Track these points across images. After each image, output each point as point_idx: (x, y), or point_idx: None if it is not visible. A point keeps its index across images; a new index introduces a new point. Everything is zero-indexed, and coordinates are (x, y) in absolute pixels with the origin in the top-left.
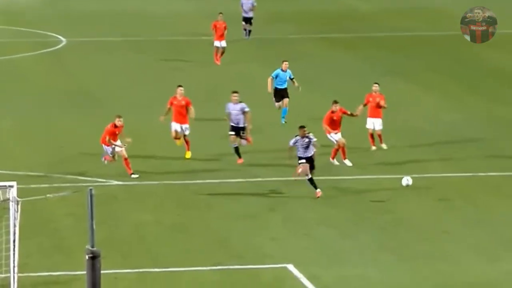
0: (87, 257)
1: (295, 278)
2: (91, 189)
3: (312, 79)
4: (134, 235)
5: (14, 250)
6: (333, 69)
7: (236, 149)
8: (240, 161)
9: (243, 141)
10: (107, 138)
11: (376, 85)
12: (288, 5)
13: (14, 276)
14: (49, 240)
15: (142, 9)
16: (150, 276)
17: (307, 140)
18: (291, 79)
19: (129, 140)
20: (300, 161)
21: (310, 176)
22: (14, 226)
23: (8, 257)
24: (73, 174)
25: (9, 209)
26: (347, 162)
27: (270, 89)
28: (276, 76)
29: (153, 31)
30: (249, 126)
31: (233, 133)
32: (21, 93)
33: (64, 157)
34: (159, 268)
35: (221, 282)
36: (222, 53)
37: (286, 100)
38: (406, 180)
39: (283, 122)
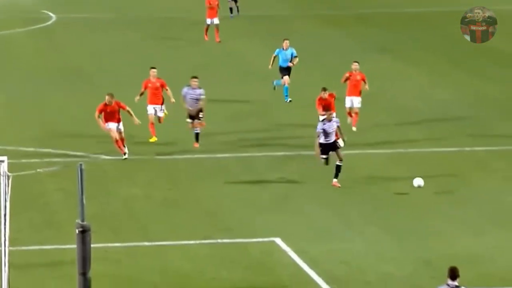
0: (77, 231)
1: (283, 252)
2: (81, 164)
3: (302, 57)
4: (124, 209)
5: (5, 225)
6: (322, 46)
7: (197, 135)
8: (196, 145)
9: (198, 127)
10: (97, 114)
11: (356, 63)
12: None
13: (5, 250)
14: (39, 214)
15: None
16: (140, 250)
17: (334, 124)
18: (294, 57)
19: (137, 121)
20: (322, 156)
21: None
22: (5, 200)
23: None
24: (63, 149)
25: None
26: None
27: (270, 65)
28: (278, 55)
29: (144, 8)
30: (204, 111)
31: (190, 120)
32: (11, 69)
33: (55, 132)
34: (149, 242)
35: (211, 256)
36: (217, 30)
37: (286, 77)
38: (418, 182)
39: (287, 101)
